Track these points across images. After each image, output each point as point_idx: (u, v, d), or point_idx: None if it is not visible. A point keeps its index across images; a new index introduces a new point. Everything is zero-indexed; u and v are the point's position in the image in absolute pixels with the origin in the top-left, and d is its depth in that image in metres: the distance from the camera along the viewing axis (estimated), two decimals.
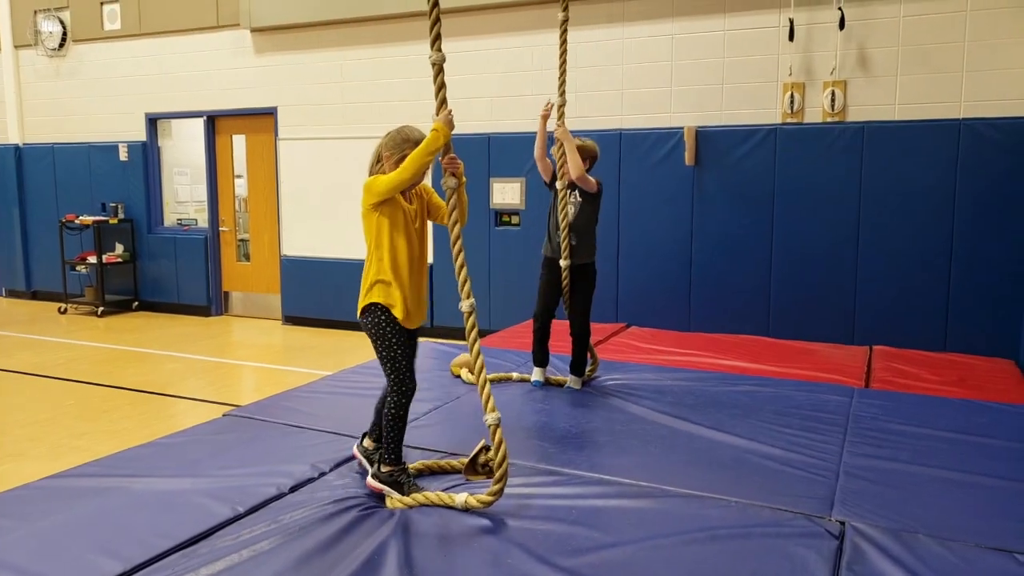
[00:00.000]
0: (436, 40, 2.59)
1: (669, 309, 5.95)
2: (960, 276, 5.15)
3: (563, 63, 3.93)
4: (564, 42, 3.92)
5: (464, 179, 2.73)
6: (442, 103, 2.63)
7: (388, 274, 2.66)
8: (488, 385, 2.57)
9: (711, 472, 2.87)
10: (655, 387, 3.99)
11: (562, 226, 3.83)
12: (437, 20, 2.58)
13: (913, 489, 2.70)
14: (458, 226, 2.65)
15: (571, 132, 3.83)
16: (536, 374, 4.07)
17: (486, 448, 2.80)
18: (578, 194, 3.85)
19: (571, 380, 4.00)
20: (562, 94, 3.92)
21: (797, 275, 5.57)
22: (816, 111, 5.51)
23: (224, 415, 3.62)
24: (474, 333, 2.60)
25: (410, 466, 2.78)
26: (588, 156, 3.87)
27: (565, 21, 3.91)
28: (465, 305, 2.61)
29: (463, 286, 2.62)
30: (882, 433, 3.28)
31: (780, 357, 4.85)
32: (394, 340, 2.66)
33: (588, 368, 4.09)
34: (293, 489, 2.69)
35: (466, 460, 2.73)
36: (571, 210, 3.85)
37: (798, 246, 5.55)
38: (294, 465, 2.87)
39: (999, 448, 3.11)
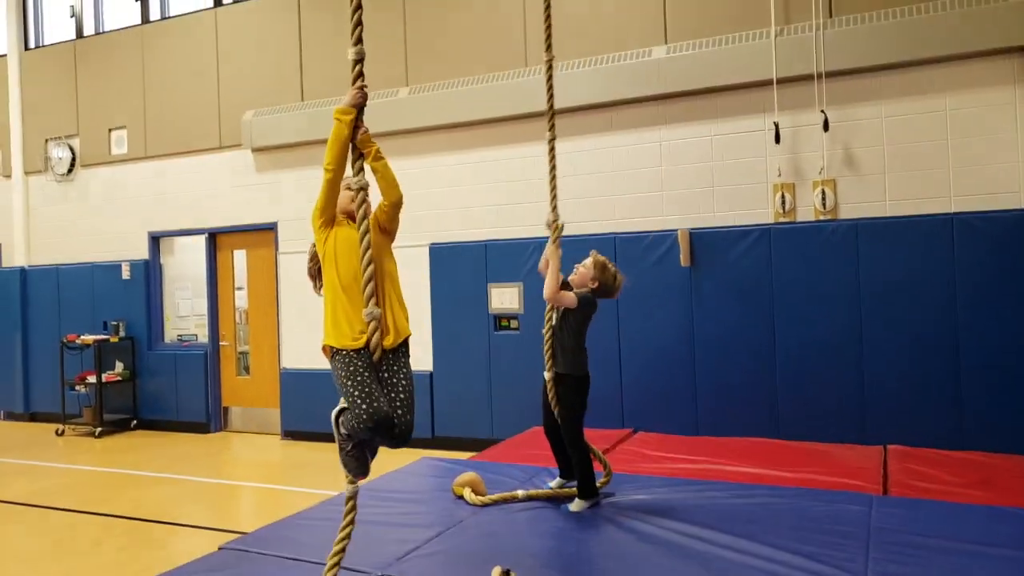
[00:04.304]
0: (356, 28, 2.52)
1: (675, 412, 5.83)
2: (970, 368, 5.07)
3: (553, 181, 3.94)
4: (553, 163, 3.95)
5: (378, 156, 2.75)
6: (354, 80, 2.54)
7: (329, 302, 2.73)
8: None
9: None
10: (666, 502, 3.83)
11: (545, 336, 3.83)
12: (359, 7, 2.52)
13: None
14: (369, 252, 2.55)
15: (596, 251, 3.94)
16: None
17: (506, 573, 2.67)
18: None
19: (573, 503, 3.77)
20: (554, 208, 3.89)
21: (803, 373, 5.48)
22: (808, 209, 5.59)
23: (219, 548, 3.47)
24: (376, 336, 2.73)
25: None
26: (604, 285, 3.83)
27: (552, 140, 3.99)
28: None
29: (368, 300, 2.63)
30: (906, 547, 3.11)
31: (793, 461, 4.70)
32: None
33: (600, 480, 3.96)
34: None
35: None
36: (555, 318, 3.85)
37: (801, 343, 5.49)
38: None
39: None
